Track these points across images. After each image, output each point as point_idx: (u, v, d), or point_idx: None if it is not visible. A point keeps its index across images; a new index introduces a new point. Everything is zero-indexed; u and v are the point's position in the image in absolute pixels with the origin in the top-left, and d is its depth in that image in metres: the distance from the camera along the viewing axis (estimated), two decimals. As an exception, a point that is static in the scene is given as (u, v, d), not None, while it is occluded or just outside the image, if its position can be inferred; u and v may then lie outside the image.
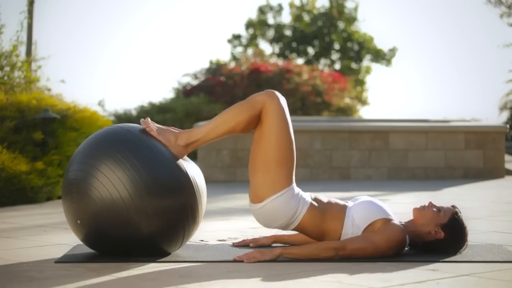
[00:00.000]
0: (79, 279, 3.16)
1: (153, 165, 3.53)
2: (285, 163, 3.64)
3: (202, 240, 4.30)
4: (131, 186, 3.49)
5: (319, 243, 3.60)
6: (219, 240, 4.30)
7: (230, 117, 3.67)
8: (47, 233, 4.64)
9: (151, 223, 3.52)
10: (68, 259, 3.63)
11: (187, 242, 4.17)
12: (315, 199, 3.73)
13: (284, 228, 3.74)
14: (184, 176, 3.60)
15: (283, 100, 3.70)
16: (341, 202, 3.78)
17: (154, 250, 3.63)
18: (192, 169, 3.71)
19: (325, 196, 3.81)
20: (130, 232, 3.53)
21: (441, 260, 3.55)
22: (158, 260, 3.57)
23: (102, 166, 3.52)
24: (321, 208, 3.70)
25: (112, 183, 3.49)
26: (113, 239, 3.56)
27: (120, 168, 3.50)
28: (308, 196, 3.72)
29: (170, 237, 3.61)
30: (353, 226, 3.67)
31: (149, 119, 3.75)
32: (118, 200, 3.49)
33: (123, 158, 3.52)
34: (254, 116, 3.66)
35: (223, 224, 5.18)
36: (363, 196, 3.84)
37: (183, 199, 3.59)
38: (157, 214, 3.51)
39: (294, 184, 3.69)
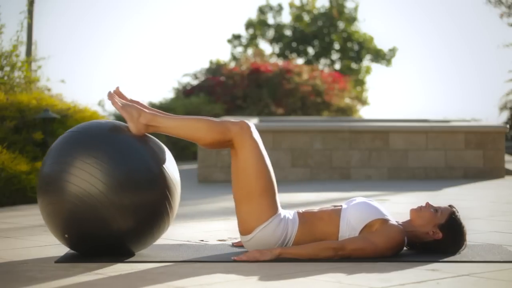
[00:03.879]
0: (79, 279, 3.16)
1: (127, 159, 3.54)
2: (266, 193, 3.65)
3: (202, 240, 4.30)
4: (105, 181, 3.49)
5: (318, 243, 3.60)
6: (219, 240, 4.30)
7: (197, 128, 3.66)
8: (47, 233, 4.64)
9: (127, 216, 3.53)
10: (68, 259, 3.63)
11: (187, 242, 4.18)
12: (304, 215, 3.74)
13: None
14: (158, 169, 3.61)
15: (255, 131, 3.69)
16: (335, 207, 3.79)
17: (137, 242, 3.64)
18: (167, 161, 3.70)
19: (317, 207, 3.83)
20: (105, 227, 3.53)
21: (441, 260, 3.55)
22: (158, 260, 3.57)
23: (76, 161, 3.53)
24: (313, 220, 3.71)
25: (85, 180, 3.50)
26: (92, 236, 3.57)
27: (92, 164, 3.50)
28: (295, 215, 3.73)
29: (151, 228, 3.63)
30: (348, 228, 3.67)
31: (119, 89, 3.76)
32: (93, 197, 3.49)
33: (94, 154, 3.52)
34: (221, 141, 3.66)
35: (223, 224, 5.18)
36: (358, 198, 3.84)
37: (158, 192, 3.60)
38: (132, 207, 3.52)
39: (279, 209, 3.70)
